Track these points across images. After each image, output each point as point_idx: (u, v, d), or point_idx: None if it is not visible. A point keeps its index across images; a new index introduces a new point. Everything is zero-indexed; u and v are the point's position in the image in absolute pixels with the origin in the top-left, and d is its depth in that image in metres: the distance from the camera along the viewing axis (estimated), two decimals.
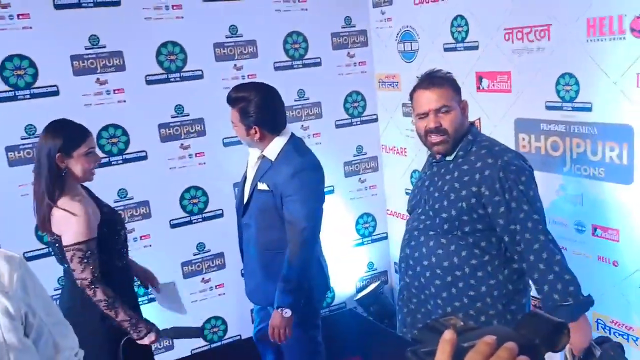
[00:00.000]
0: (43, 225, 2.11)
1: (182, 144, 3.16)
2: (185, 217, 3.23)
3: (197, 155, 3.20)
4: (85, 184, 2.21)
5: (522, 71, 2.65)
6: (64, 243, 2.05)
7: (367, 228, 3.79)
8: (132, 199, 3.09)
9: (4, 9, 2.71)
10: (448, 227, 1.96)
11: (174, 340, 3.29)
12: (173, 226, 3.21)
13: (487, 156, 1.92)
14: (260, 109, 2.22)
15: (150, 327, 2.15)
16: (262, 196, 2.28)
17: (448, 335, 0.57)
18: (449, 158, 2.00)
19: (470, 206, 1.92)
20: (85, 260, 2.03)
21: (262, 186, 2.28)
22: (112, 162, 3.01)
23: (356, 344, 3.63)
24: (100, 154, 2.55)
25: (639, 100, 2.21)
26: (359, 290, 3.76)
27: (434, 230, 2.00)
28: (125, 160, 3.05)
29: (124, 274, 2.25)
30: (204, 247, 3.31)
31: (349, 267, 3.75)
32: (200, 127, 3.19)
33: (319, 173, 2.32)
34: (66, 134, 2.08)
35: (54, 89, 2.86)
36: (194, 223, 3.26)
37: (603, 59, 2.29)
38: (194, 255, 3.30)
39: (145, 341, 2.12)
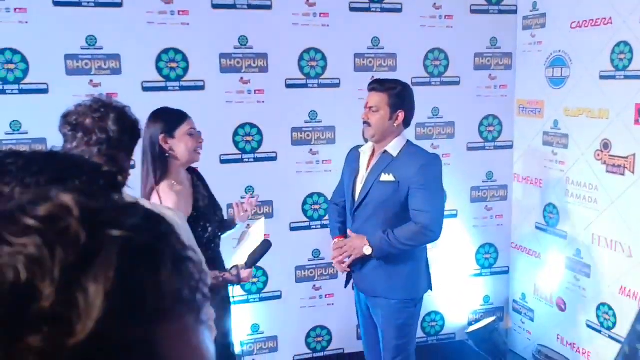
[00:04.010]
0: None
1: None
2: (305, 221, 3.25)
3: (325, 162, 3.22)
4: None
5: None
6: None
7: (488, 259, 3.59)
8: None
9: None
10: None
11: (278, 343, 3.31)
12: (292, 229, 3.24)
13: None
14: (408, 97, 2.47)
15: (234, 271, 2.22)
16: (385, 187, 2.43)
17: None
18: None
19: None
20: None
21: (386, 177, 2.44)
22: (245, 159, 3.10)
23: None
24: None
25: None
26: (470, 324, 3.56)
27: None
28: (257, 159, 3.13)
29: (209, 265, 2.20)
30: (319, 254, 3.30)
31: (463, 297, 3.56)
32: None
33: (441, 166, 2.50)
34: (166, 117, 2.16)
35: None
36: (313, 229, 3.26)
37: None
38: (309, 261, 3.30)
39: (245, 281, 2.25)
